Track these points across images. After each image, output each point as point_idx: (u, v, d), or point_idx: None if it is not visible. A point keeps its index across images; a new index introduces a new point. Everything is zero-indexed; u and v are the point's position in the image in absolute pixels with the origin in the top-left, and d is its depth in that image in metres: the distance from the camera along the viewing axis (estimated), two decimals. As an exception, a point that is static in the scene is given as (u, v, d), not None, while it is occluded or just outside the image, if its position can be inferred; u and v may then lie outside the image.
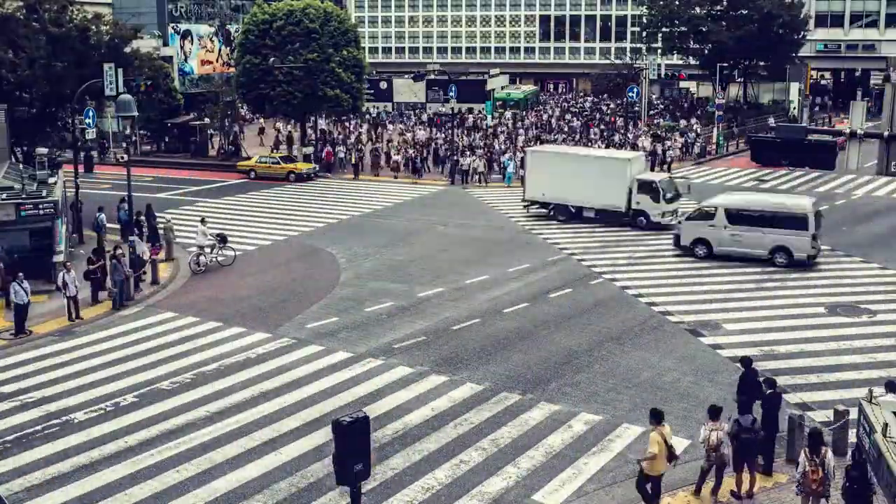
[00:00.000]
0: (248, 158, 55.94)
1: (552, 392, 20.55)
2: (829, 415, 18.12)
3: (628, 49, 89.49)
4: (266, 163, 53.03)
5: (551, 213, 39.83)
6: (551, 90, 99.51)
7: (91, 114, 42.46)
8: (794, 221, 30.53)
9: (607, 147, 55.06)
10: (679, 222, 34.04)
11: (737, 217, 31.60)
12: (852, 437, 16.16)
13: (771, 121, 65.27)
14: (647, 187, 37.65)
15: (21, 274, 25.40)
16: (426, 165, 54.17)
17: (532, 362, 22.41)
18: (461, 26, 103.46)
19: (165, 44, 69.87)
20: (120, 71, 37.40)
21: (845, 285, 28.99)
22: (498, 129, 67.11)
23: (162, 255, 32.87)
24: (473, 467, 17.04)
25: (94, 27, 41.68)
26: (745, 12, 71.38)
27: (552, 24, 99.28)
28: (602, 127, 67.87)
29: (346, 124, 71.34)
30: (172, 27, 71.91)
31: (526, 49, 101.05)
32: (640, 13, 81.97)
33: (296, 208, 43.64)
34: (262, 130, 63.28)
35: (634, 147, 55.26)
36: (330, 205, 44.33)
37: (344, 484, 11.80)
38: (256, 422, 19.14)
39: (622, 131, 63.67)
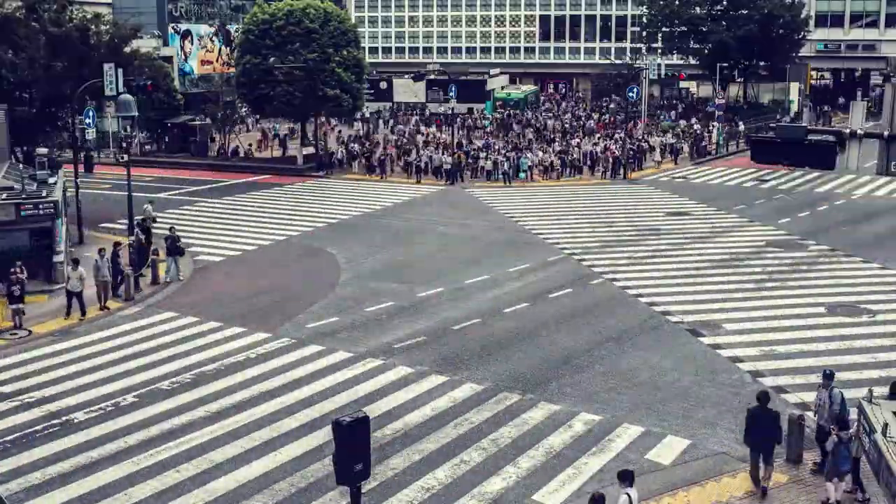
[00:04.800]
0: (248, 158, 56.01)
1: (552, 392, 20.55)
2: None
3: (628, 49, 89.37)
4: None
5: None
6: (551, 90, 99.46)
7: (91, 114, 42.47)
8: None
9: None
10: None
11: None
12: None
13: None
14: None
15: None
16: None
17: (532, 362, 22.40)
18: (461, 26, 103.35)
19: (165, 44, 69.95)
20: (120, 71, 37.36)
21: (845, 285, 28.98)
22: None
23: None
24: (473, 467, 17.03)
25: (93, 27, 41.69)
26: (745, 12, 71.36)
27: (552, 24, 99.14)
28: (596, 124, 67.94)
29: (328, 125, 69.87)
30: (172, 27, 72.00)
31: (526, 49, 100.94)
32: (640, 13, 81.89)
33: (296, 208, 43.64)
34: (264, 135, 63.25)
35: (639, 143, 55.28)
36: (330, 205, 44.32)
37: (344, 484, 11.80)
38: (256, 422, 19.14)
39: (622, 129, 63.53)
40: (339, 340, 24.17)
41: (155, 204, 38.39)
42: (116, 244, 30.34)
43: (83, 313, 26.34)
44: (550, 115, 77.46)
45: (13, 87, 40.05)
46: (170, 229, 32.00)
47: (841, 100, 79.86)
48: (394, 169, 53.22)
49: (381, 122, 75.11)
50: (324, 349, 23.52)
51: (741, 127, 64.32)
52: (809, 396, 19.85)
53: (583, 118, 75.07)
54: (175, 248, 30.85)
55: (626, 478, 13.67)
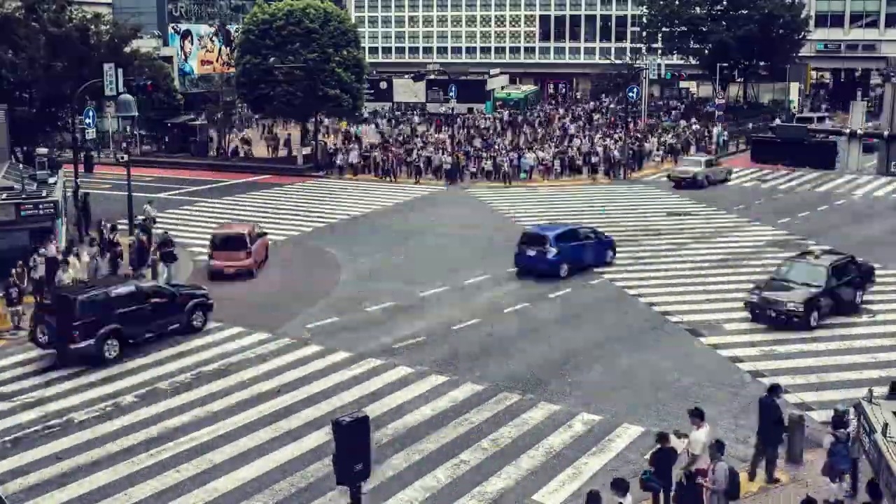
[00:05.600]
0: (248, 158, 55.93)
1: (552, 392, 20.55)
2: (829, 415, 18.08)
3: (628, 49, 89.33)
4: None
5: None
6: (551, 90, 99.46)
7: (91, 114, 42.49)
8: None
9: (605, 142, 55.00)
10: None
11: None
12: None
13: (777, 120, 65.03)
14: None
15: None
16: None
17: (532, 362, 22.40)
18: (461, 26, 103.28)
19: (165, 44, 69.95)
20: (120, 71, 37.39)
21: (845, 285, 28.94)
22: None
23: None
24: (473, 467, 17.04)
25: (93, 27, 41.73)
26: (745, 12, 71.35)
27: (552, 24, 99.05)
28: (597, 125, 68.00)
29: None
30: (172, 27, 72.01)
31: (526, 49, 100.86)
32: (640, 13, 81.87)
33: (296, 208, 43.64)
34: (268, 143, 63.38)
35: (640, 143, 55.29)
36: (330, 205, 44.31)
37: (344, 484, 11.80)
38: (256, 422, 19.15)
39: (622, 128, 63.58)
40: (339, 340, 24.17)
41: (155, 204, 38.38)
42: (116, 244, 30.33)
43: None
44: (547, 115, 77.45)
45: (13, 87, 40.07)
46: (163, 233, 31.95)
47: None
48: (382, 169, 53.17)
49: (379, 121, 75.11)
50: (324, 349, 23.52)
51: (750, 126, 64.11)
52: (809, 396, 19.89)
53: (582, 118, 75.12)
54: (168, 255, 30.41)
55: (621, 487, 13.08)
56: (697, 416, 15.10)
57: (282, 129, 67.63)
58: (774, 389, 16.79)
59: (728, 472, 14.06)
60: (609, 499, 13.10)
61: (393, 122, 74.73)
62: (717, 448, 14.25)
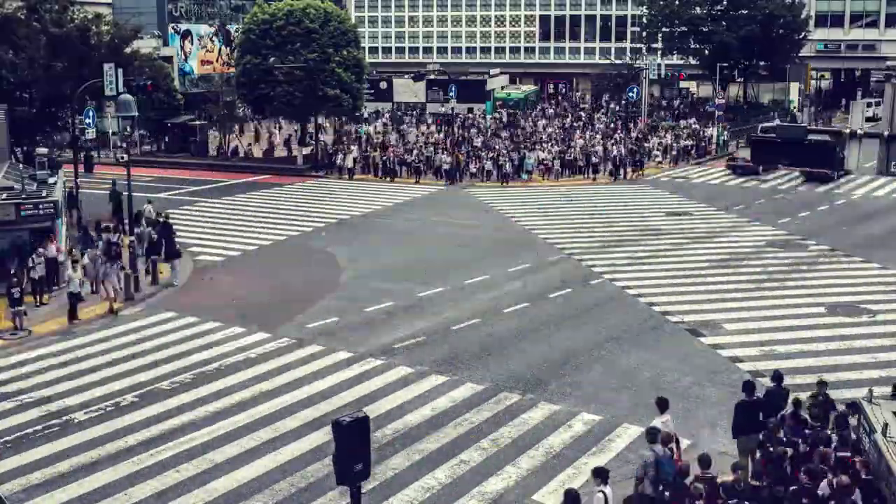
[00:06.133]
0: (248, 158, 55.91)
1: (552, 392, 20.55)
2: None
3: (628, 49, 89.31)
4: None
5: None
6: (551, 90, 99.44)
7: (91, 114, 42.46)
8: None
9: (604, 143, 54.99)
10: None
11: None
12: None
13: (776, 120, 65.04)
14: None
15: None
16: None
17: (532, 362, 22.41)
18: (461, 26, 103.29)
19: (165, 44, 69.85)
20: (120, 71, 37.38)
21: (845, 285, 28.98)
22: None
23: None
24: (473, 467, 17.04)
25: (94, 27, 41.70)
26: (745, 12, 71.39)
27: (552, 24, 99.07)
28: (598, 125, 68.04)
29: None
30: (172, 27, 71.91)
31: (526, 49, 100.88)
32: (640, 13, 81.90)
33: (296, 208, 43.64)
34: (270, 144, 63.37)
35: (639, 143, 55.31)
36: (330, 205, 44.31)
37: (344, 484, 11.79)
38: (256, 422, 19.14)
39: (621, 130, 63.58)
40: (339, 340, 24.16)
41: (155, 203, 38.39)
42: (114, 245, 30.31)
43: (73, 316, 26.12)
44: (547, 117, 77.55)
45: (13, 87, 40.04)
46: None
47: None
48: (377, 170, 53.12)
49: (379, 122, 75.08)
50: (324, 349, 23.52)
51: (758, 122, 64.11)
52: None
53: (583, 118, 75.12)
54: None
55: (601, 475, 13.33)
56: (661, 405, 15.36)
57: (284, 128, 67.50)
58: (781, 377, 16.78)
59: (655, 462, 13.87)
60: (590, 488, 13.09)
61: (393, 121, 74.74)
62: (649, 438, 14.31)
